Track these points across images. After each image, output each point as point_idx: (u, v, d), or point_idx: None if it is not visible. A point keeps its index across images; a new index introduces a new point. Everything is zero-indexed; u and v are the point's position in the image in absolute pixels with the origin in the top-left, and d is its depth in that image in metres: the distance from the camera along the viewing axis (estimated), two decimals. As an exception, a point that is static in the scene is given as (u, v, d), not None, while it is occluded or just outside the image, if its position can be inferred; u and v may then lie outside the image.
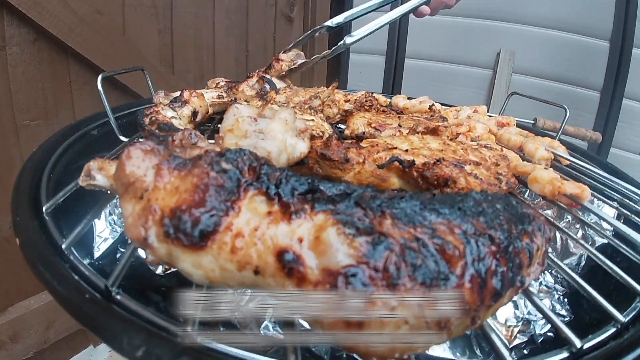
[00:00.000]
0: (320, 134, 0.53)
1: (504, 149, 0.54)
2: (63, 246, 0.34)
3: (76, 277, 0.30)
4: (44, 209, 0.39)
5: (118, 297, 0.29)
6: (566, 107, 0.70)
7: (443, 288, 0.18)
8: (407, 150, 0.40)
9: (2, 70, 1.04)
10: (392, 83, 2.08)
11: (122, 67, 1.26)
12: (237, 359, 0.24)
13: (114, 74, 0.62)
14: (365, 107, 0.68)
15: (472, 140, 0.64)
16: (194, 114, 0.58)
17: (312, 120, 0.55)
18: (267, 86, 0.65)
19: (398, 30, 1.96)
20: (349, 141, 0.42)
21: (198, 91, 0.61)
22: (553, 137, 0.72)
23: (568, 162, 0.61)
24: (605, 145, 1.58)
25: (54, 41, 1.10)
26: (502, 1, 1.69)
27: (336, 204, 0.21)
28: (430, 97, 1.87)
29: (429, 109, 0.76)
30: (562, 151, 0.64)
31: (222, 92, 0.69)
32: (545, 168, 0.49)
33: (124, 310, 0.27)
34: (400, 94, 2.06)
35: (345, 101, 0.74)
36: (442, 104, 0.94)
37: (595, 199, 0.61)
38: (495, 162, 0.45)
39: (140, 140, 0.35)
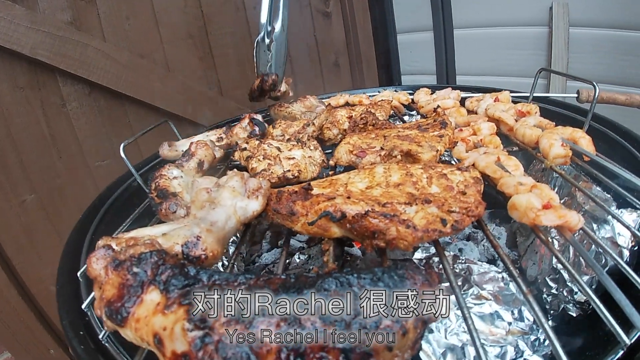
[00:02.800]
0: (297, 174, 0.58)
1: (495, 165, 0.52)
2: (83, 306, 0.45)
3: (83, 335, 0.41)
4: (78, 273, 0.51)
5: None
6: (595, 84, 0.62)
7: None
8: (348, 197, 0.42)
9: (67, 124, 1.29)
10: (446, 57, 1.96)
11: (173, 99, 1.47)
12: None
13: (135, 138, 0.73)
14: (360, 125, 0.69)
15: (475, 147, 0.63)
16: (200, 164, 0.67)
17: (294, 158, 0.60)
18: (257, 128, 0.71)
19: (441, 2, 1.84)
20: (298, 189, 0.46)
21: (202, 140, 0.70)
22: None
23: (589, 159, 0.55)
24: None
25: (106, 90, 1.31)
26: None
27: (196, 295, 0.27)
28: (484, 67, 1.76)
29: (434, 111, 0.74)
30: (585, 144, 0.58)
31: (221, 134, 0.77)
32: (532, 188, 0.46)
33: None
34: (455, 68, 1.94)
35: (348, 117, 0.76)
36: (475, 91, 0.89)
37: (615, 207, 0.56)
38: (462, 191, 0.44)
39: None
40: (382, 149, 0.58)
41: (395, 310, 0.26)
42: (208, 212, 0.43)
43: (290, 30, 1.81)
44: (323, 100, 1.00)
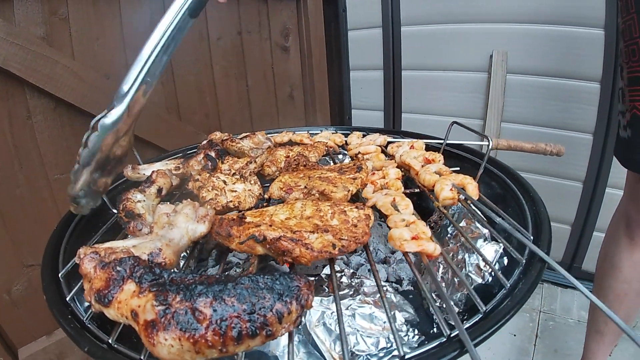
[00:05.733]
0: (237, 204, 0.77)
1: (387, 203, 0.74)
2: (67, 298, 0.60)
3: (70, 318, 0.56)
4: (59, 275, 0.66)
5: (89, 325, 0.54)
6: (489, 137, 0.86)
7: (194, 333, 0.40)
8: (271, 225, 0.62)
9: (31, 135, 1.39)
10: (393, 95, 2.24)
11: (138, 122, 1.60)
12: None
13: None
14: (293, 166, 0.90)
15: (381, 188, 0.84)
16: (159, 190, 0.84)
17: (236, 192, 0.79)
18: (209, 163, 0.90)
19: (392, 43, 2.12)
20: (235, 217, 0.65)
21: (162, 170, 0.87)
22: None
23: (473, 200, 0.77)
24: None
25: (72, 106, 1.43)
26: (486, 2, 1.79)
27: (160, 286, 0.45)
28: (429, 106, 2.02)
29: (355, 156, 0.97)
30: (471, 189, 0.80)
31: (179, 164, 0.95)
32: (407, 224, 0.67)
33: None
34: (401, 106, 2.17)
35: (286, 157, 0.97)
36: (397, 137, 1.11)
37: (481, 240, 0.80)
38: (354, 224, 0.65)
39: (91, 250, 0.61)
40: (305, 187, 0.78)
41: (284, 297, 0.46)
42: (167, 231, 0.61)
43: (251, 60, 2.03)
44: (270, 137, 1.20)
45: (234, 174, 0.89)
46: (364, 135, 1.22)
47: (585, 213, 1.78)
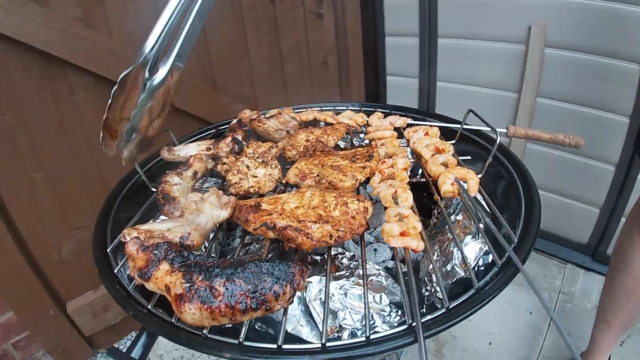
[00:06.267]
0: (257, 189, 0.89)
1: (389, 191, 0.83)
2: (114, 271, 0.77)
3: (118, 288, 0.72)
4: (107, 250, 0.82)
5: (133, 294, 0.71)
6: (497, 131, 0.91)
7: (211, 305, 0.54)
8: (281, 214, 0.74)
9: (74, 110, 1.57)
10: (428, 65, 2.23)
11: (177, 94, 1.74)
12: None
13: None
14: (310, 152, 1.00)
15: (389, 178, 0.93)
16: (195, 173, 0.97)
17: (257, 177, 0.91)
18: (236, 146, 1.01)
19: (429, 9, 2.09)
20: (252, 204, 0.77)
21: (199, 155, 1.00)
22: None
23: (473, 195, 0.85)
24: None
25: (111, 82, 1.58)
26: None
27: (187, 267, 0.58)
28: (463, 76, 2.00)
29: (369, 144, 1.05)
30: (472, 184, 0.87)
31: (210, 145, 1.07)
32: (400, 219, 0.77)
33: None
34: (436, 74, 2.14)
35: (306, 140, 1.07)
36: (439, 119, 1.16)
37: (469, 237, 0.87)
38: (353, 216, 0.75)
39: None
40: (317, 175, 0.89)
41: (281, 281, 0.58)
42: (195, 217, 0.74)
43: (284, 28, 2.08)
44: (295, 116, 1.30)
45: (257, 157, 1.01)
46: (385, 116, 1.29)
47: (615, 198, 1.76)
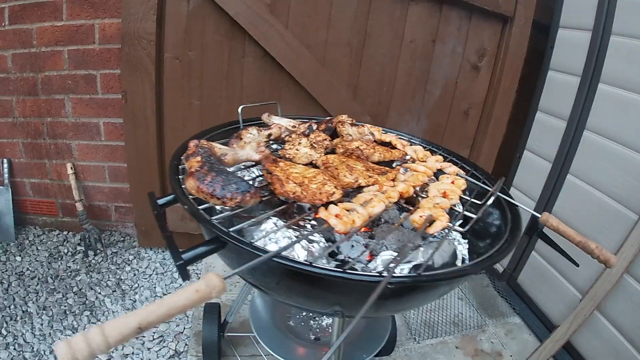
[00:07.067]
0: (293, 156, 1.32)
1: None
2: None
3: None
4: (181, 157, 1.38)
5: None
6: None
7: (199, 184, 1.00)
8: (282, 170, 1.15)
9: (239, 70, 2.27)
10: (565, 156, 2.27)
11: (316, 87, 2.31)
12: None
13: (251, 105, 1.57)
14: (348, 153, 1.38)
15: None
16: (269, 135, 1.47)
17: (299, 151, 1.34)
18: (308, 130, 1.46)
19: (585, 97, 2.15)
20: (275, 159, 1.20)
21: (279, 124, 1.50)
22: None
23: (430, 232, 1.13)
24: None
25: (274, 60, 2.23)
26: None
27: (207, 162, 1.06)
28: (593, 176, 2.28)
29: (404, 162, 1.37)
30: (438, 224, 1.14)
31: (295, 125, 1.54)
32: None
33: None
34: (570, 167, 2.19)
35: (353, 148, 1.45)
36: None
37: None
38: (320, 192, 1.12)
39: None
40: (335, 168, 1.27)
41: (238, 190, 1.01)
42: (238, 150, 1.23)
43: (437, 68, 2.43)
44: (376, 133, 1.67)
45: (313, 143, 1.44)
46: (444, 159, 1.55)
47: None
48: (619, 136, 1.99)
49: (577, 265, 1.34)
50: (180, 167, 1.22)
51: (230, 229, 0.96)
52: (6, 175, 2.67)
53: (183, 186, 1.09)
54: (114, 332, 0.57)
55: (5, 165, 2.66)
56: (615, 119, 2.02)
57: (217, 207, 1.11)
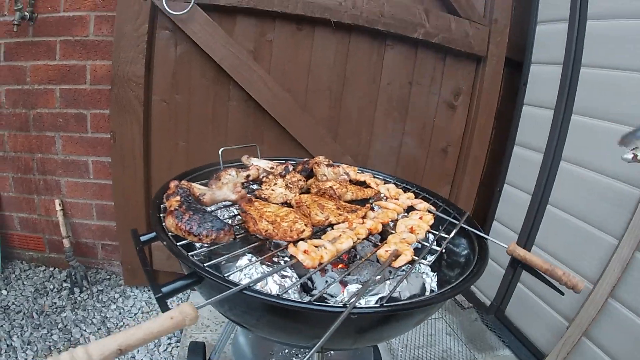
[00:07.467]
0: (268, 196, 1.46)
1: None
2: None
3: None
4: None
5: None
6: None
7: (178, 222, 1.13)
8: (256, 210, 1.28)
9: (225, 113, 2.43)
10: (544, 187, 2.41)
11: (298, 130, 2.49)
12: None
13: (232, 147, 1.73)
14: (321, 192, 1.52)
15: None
16: (248, 176, 1.61)
17: (274, 191, 1.48)
18: (284, 171, 1.61)
19: (560, 129, 2.32)
20: (250, 199, 1.34)
21: (257, 165, 1.64)
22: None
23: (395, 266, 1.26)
24: None
25: (257, 104, 2.41)
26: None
27: (186, 202, 1.19)
28: (573, 205, 2.38)
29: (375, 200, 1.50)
30: (403, 258, 1.26)
31: (273, 166, 1.69)
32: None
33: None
34: (549, 199, 2.33)
35: (325, 187, 1.59)
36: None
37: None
38: (291, 229, 1.25)
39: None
40: (307, 206, 1.40)
41: (213, 228, 1.14)
42: (216, 190, 1.36)
43: (414, 109, 2.62)
44: (351, 173, 1.81)
45: (289, 183, 1.58)
46: (416, 196, 1.70)
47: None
48: (594, 164, 2.13)
49: (562, 294, 1.39)
50: (161, 205, 1.35)
51: (206, 264, 1.08)
52: (-6, 209, 2.81)
53: (163, 224, 1.22)
54: (96, 352, 0.68)
55: (-5, 198, 2.80)
56: (589, 148, 2.17)
57: (197, 245, 1.23)
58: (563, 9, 2.32)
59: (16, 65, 2.54)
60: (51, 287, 2.78)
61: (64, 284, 2.82)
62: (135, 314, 2.67)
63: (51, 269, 2.96)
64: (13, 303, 2.56)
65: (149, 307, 2.72)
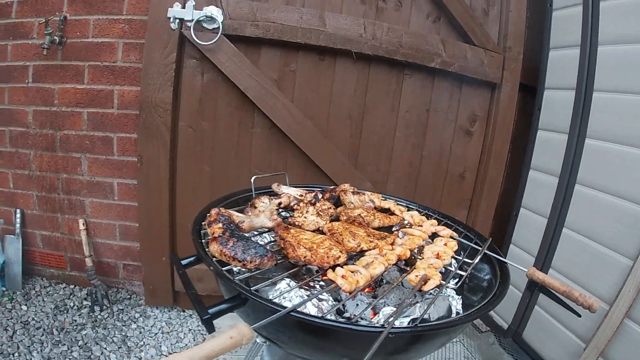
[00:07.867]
0: (301, 224, 1.56)
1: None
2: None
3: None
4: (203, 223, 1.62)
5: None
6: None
7: (223, 249, 1.23)
8: (293, 237, 1.38)
9: (249, 140, 2.55)
10: (559, 212, 2.49)
11: (320, 156, 2.60)
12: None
13: (263, 176, 1.83)
14: (351, 220, 1.61)
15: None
16: (279, 203, 1.72)
17: (306, 218, 1.58)
18: (314, 199, 1.71)
19: (574, 155, 2.40)
20: (286, 226, 1.44)
21: (289, 194, 1.75)
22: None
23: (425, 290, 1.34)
24: None
25: (280, 130, 2.53)
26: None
27: (228, 229, 1.30)
28: (586, 227, 2.46)
29: (403, 227, 1.60)
30: (431, 282, 1.35)
31: (302, 193, 1.79)
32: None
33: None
34: (565, 221, 2.42)
35: (354, 215, 1.69)
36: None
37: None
38: (328, 256, 1.35)
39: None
40: (340, 233, 1.50)
41: (256, 254, 1.24)
42: (254, 218, 1.47)
43: (431, 135, 2.73)
44: (376, 200, 1.91)
45: (319, 211, 1.68)
46: (439, 223, 1.79)
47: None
48: (608, 187, 2.21)
49: (579, 316, 1.46)
50: (202, 231, 1.46)
51: (252, 288, 1.17)
52: (18, 225, 2.87)
53: (207, 249, 1.33)
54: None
55: (18, 215, 2.87)
56: (603, 171, 2.25)
57: (235, 269, 1.33)
58: (575, 35, 2.44)
59: (44, 87, 2.68)
60: (71, 304, 2.88)
61: (84, 302, 2.92)
62: (156, 333, 2.74)
63: (72, 286, 3.08)
64: (33, 319, 2.62)
65: (169, 328, 2.80)
